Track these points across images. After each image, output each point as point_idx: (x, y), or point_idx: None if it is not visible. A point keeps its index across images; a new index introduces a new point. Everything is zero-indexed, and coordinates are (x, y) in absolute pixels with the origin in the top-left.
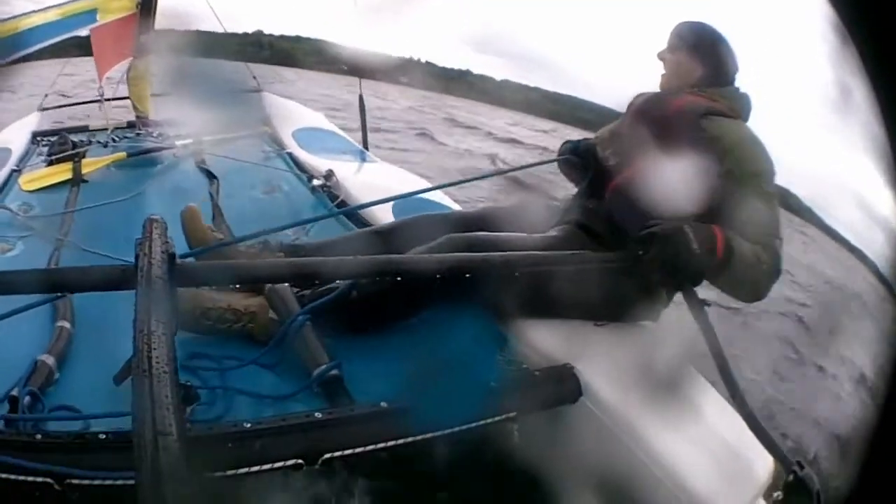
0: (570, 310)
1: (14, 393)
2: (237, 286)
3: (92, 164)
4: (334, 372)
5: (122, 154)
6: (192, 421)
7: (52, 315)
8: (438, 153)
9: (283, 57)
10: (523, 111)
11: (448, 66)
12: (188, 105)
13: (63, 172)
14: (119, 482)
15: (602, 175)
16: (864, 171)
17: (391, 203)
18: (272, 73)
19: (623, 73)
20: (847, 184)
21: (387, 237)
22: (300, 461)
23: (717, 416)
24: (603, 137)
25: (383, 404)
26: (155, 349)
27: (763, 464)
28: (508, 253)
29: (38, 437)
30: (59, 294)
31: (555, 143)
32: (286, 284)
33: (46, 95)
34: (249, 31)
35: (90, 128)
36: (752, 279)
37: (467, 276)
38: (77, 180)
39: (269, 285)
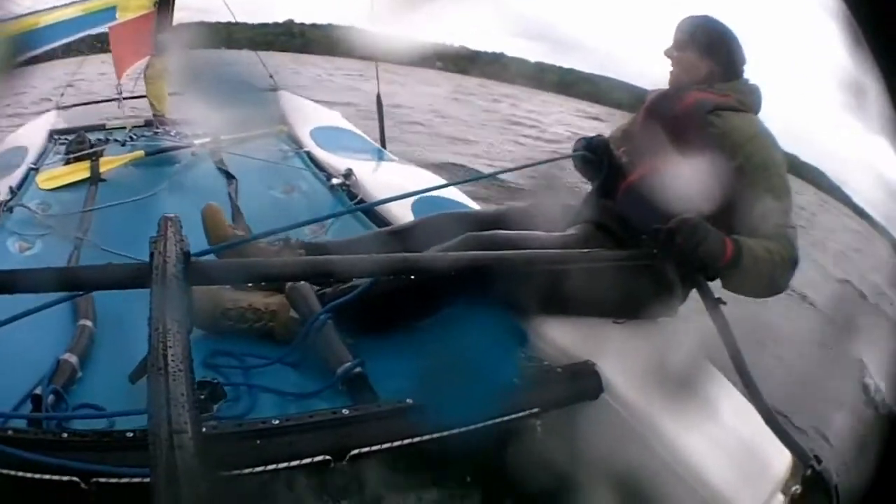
0: (588, 307)
1: (38, 392)
2: (257, 284)
3: (110, 163)
4: (358, 369)
5: (140, 153)
6: (219, 418)
7: (74, 314)
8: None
9: (315, 45)
10: (561, 93)
11: (481, 49)
12: (205, 104)
13: (81, 171)
14: (146, 480)
15: (616, 172)
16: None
17: (410, 202)
18: (303, 61)
19: (655, 54)
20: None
21: (405, 236)
22: (328, 457)
23: (735, 411)
24: (616, 136)
25: (409, 401)
26: (170, 347)
27: (781, 458)
28: (526, 251)
29: (64, 435)
30: (79, 293)
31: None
32: (306, 283)
33: (62, 94)
34: (280, 20)
35: (107, 126)
36: (767, 272)
37: (486, 274)
38: (95, 179)
39: (289, 284)
